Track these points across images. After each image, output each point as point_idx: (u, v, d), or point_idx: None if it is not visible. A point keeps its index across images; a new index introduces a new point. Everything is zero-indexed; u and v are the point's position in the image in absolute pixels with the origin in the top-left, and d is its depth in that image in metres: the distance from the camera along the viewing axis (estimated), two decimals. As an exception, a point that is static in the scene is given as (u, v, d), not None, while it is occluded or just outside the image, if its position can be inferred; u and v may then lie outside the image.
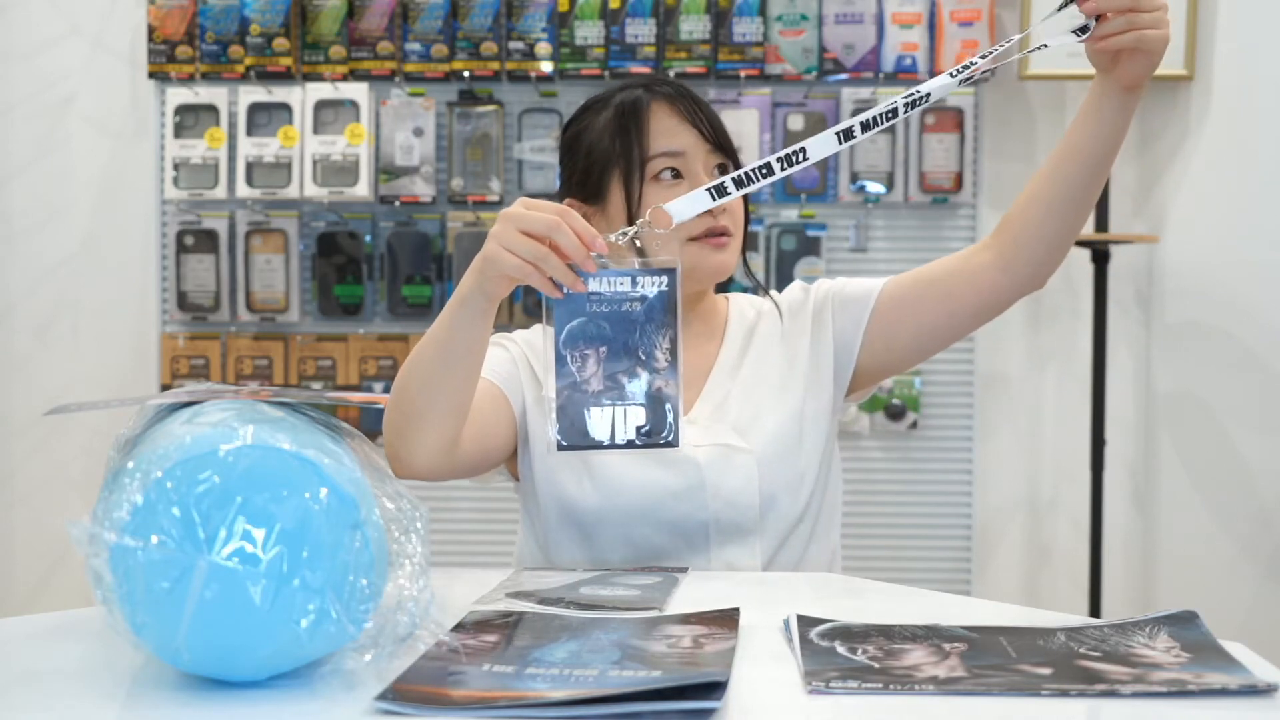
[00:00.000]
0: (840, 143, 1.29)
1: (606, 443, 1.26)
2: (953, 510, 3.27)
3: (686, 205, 1.32)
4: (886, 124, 1.31)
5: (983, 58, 1.32)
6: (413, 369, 1.39)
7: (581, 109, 1.63)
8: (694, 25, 3.16)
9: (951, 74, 1.31)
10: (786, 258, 3.18)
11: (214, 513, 0.89)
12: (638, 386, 1.26)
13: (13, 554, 3.40)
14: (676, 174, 1.55)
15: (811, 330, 1.63)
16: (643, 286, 1.27)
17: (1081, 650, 1.02)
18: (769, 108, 3.19)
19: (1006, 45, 1.34)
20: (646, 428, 1.26)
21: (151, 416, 1.08)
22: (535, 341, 1.63)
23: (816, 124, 3.20)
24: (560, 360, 1.26)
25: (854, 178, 3.20)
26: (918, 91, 1.30)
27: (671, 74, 3.14)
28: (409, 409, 1.39)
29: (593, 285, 1.25)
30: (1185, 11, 3.06)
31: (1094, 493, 3.07)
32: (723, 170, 1.56)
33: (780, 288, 3.38)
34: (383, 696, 0.89)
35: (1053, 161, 1.50)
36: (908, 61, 3.18)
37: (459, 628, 1.09)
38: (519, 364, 1.59)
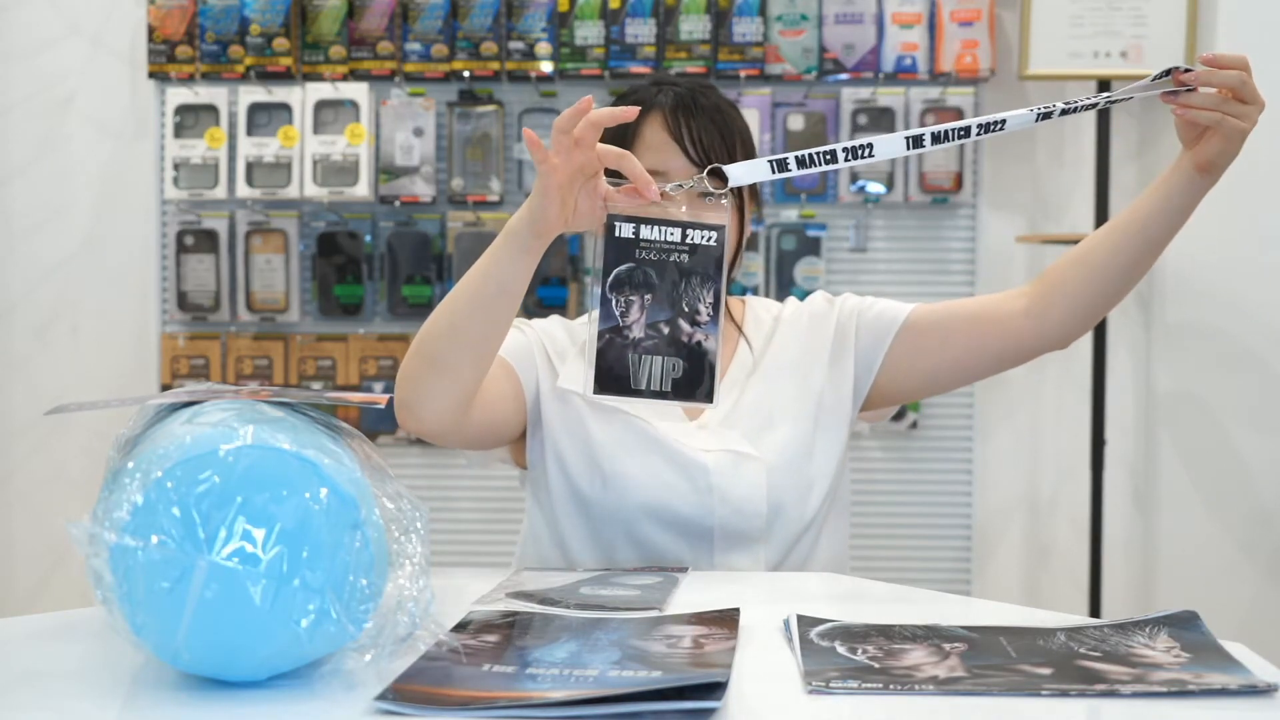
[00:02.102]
0: (908, 148, 1.30)
1: (643, 390, 1.25)
2: (953, 510, 3.27)
3: (745, 171, 1.31)
4: (957, 140, 1.31)
5: (1067, 104, 1.33)
6: (442, 311, 1.39)
7: (619, 97, 1.62)
8: (694, 25, 3.16)
9: (1033, 111, 1.32)
10: (786, 258, 3.18)
11: (214, 513, 0.89)
12: (678, 337, 1.26)
13: (13, 554, 3.40)
14: None
15: (833, 343, 1.61)
16: (692, 239, 1.27)
17: (1081, 650, 1.02)
18: (769, 108, 3.19)
19: (1094, 99, 1.36)
20: (683, 381, 1.26)
21: (151, 416, 1.07)
22: (552, 330, 1.63)
23: (816, 124, 3.20)
24: (604, 303, 1.26)
25: (854, 178, 3.20)
26: (995, 119, 1.30)
27: (672, 73, 3.14)
28: (431, 354, 1.39)
29: (644, 233, 1.26)
30: (1185, 11, 3.06)
31: (1094, 493, 3.07)
32: (708, 196, 1.53)
33: (781, 288, 3.38)
34: (383, 696, 0.89)
35: (1109, 227, 1.50)
36: (908, 61, 3.18)
37: (459, 628, 1.09)
38: (535, 349, 1.59)
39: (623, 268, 1.26)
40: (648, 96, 1.57)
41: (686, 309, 1.27)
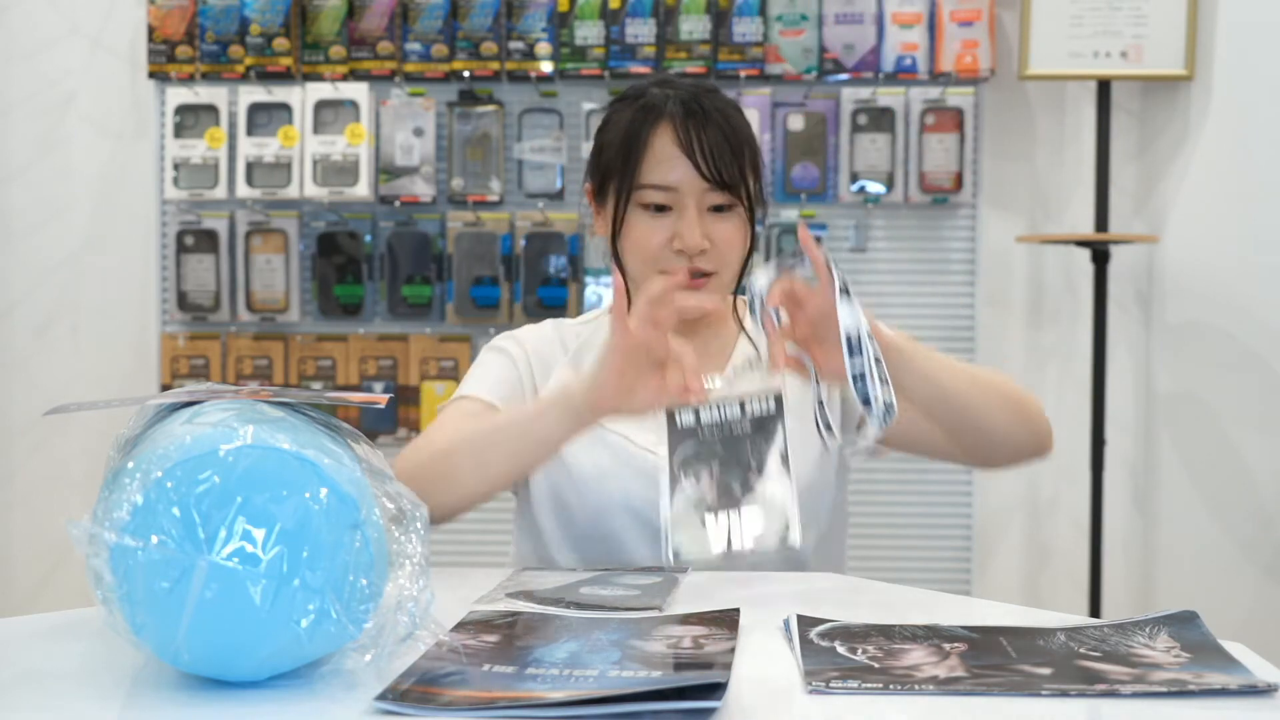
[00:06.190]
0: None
1: (724, 551, 1.26)
2: (953, 510, 3.27)
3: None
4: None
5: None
6: (477, 445, 1.41)
7: (619, 97, 1.60)
8: (694, 25, 3.16)
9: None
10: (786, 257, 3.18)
11: (214, 513, 0.89)
12: (751, 493, 1.28)
13: (13, 554, 3.40)
14: (662, 208, 1.52)
15: None
16: (751, 411, 1.31)
17: (1081, 650, 1.02)
18: (769, 108, 3.19)
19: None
20: (763, 533, 1.27)
21: (151, 416, 1.07)
22: (541, 345, 1.63)
23: (816, 124, 3.20)
24: (674, 480, 1.29)
25: (854, 178, 3.20)
26: None
27: (671, 73, 3.13)
28: (452, 476, 1.42)
29: (704, 417, 1.31)
30: (1185, 11, 3.06)
31: (1094, 493, 3.07)
32: (718, 210, 1.51)
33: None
34: (383, 696, 0.89)
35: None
36: (908, 61, 3.18)
37: (459, 628, 1.09)
38: (520, 370, 1.60)
39: (688, 448, 1.30)
40: (657, 102, 1.54)
41: (754, 466, 1.29)
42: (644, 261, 1.54)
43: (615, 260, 1.59)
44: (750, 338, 1.64)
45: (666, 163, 1.51)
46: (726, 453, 1.29)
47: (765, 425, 1.30)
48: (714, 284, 1.54)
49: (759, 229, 1.59)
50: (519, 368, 1.60)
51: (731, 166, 1.51)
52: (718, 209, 1.52)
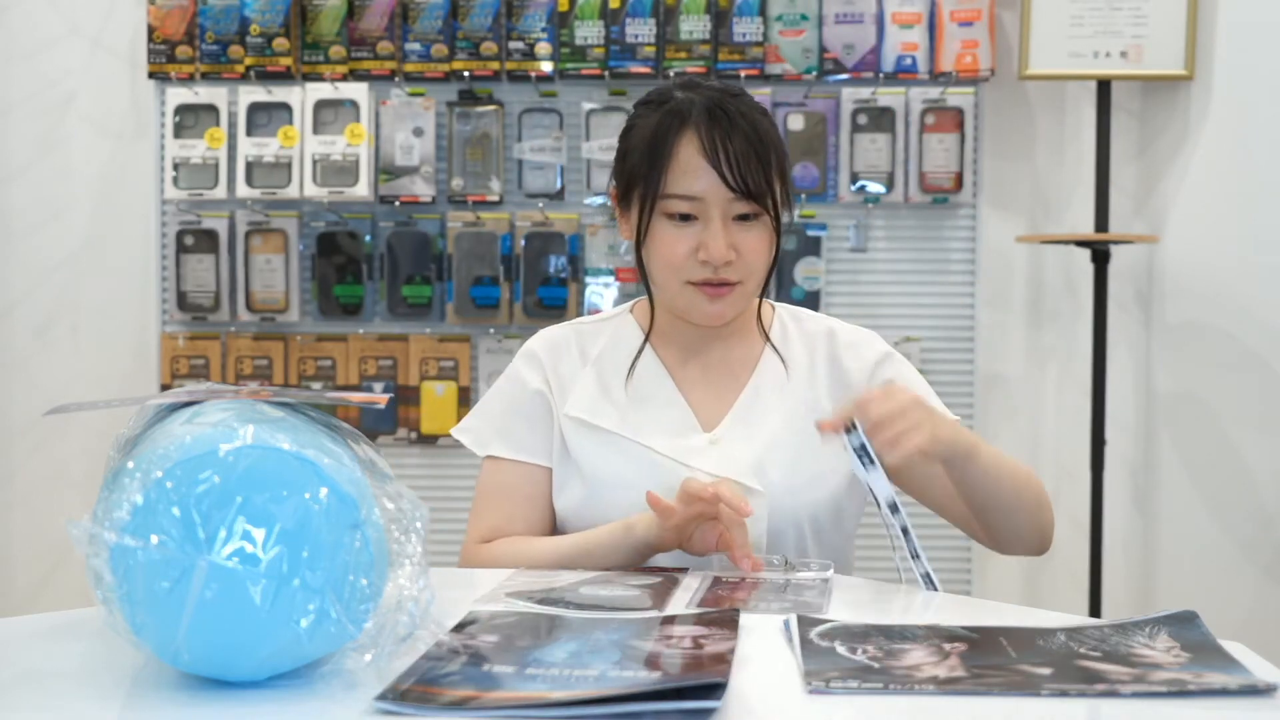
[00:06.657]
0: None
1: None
2: (953, 510, 3.26)
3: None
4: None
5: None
6: (538, 565, 1.47)
7: (642, 100, 1.58)
8: (694, 25, 3.16)
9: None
10: (786, 258, 3.18)
11: (214, 513, 0.89)
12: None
13: (13, 554, 3.40)
14: (687, 217, 1.50)
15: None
16: (794, 579, 1.39)
17: (1081, 650, 1.02)
18: (769, 108, 3.19)
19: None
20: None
21: (151, 416, 1.07)
22: (558, 360, 1.62)
23: (816, 124, 3.20)
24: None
25: (854, 178, 3.20)
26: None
27: (671, 74, 3.13)
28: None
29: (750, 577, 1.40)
30: (1185, 11, 3.06)
31: (1094, 493, 3.07)
32: (744, 219, 1.50)
33: (781, 288, 3.36)
34: (383, 696, 0.89)
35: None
36: (908, 61, 3.18)
37: (459, 628, 1.09)
38: (546, 396, 1.59)
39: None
40: (682, 108, 1.51)
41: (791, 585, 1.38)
42: (669, 271, 1.52)
43: (639, 266, 1.58)
44: (775, 348, 1.63)
45: (691, 173, 1.49)
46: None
47: (810, 588, 1.37)
48: (739, 293, 1.52)
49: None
50: (544, 398, 1.60)
51: (758, 175, 1.48)
52: (743, 218, 1.50)
